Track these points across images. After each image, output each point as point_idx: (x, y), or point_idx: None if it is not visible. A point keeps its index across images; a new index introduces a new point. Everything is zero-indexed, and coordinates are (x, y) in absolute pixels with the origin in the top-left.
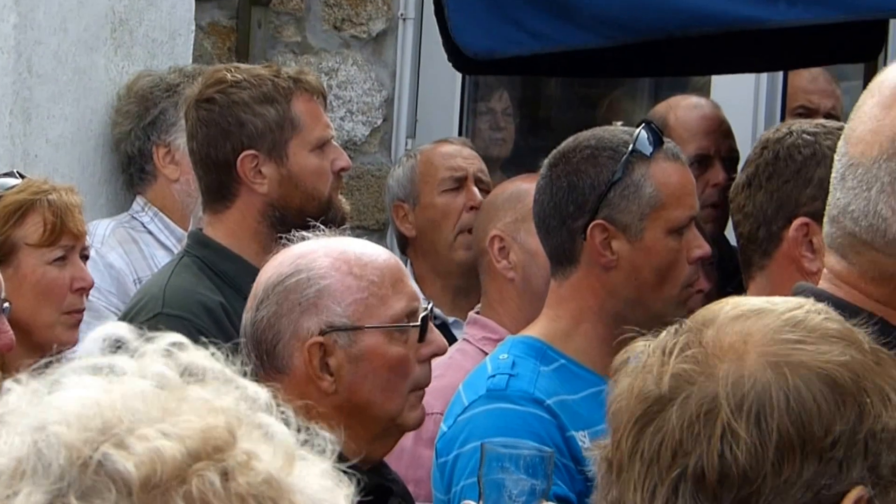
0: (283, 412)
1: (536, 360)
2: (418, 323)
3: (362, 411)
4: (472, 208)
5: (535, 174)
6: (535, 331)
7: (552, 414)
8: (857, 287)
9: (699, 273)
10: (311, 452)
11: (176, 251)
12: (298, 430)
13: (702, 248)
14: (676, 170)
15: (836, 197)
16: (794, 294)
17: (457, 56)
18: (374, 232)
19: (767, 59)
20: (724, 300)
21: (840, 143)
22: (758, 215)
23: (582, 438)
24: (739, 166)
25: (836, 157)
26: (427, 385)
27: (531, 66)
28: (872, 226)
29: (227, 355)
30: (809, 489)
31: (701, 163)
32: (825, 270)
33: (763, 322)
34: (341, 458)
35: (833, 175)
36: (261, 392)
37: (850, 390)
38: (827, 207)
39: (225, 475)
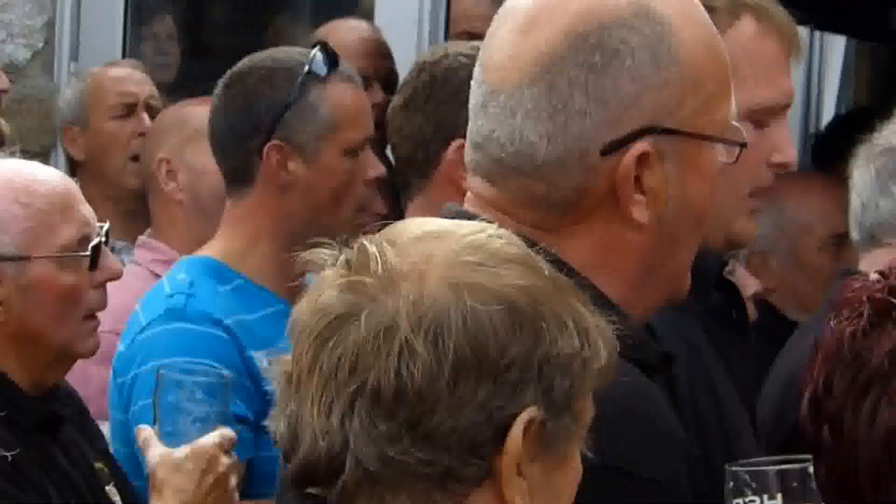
0: None
1: (214, 280)
2: (88, 252)
3: (33, 340)
4: (141, 134)
5: (203, 98)
6: (211, 251)
7: (230, 333)
8: (506, 212)
9: (375, 195)
10: None
11: None
12: None
13: (376, 169)
14: (351, 91)
15: (479, 124)
16: (443, 216)
17: None
18: (37, 156)
19: None
20: (408, 220)
21: (476, 71)
22: (416, 137)
23: (260, 358)
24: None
25: (473, 84)
26: (102, 310)
27: None
28: (520, 152)
29: None
30: (483, 409)
31: None
32: (469, 194)
33: (445, 244)
34: (9, 385)
35: (473, 103)
36: None
37: (528, 315)
38: (469, 134)
39: None
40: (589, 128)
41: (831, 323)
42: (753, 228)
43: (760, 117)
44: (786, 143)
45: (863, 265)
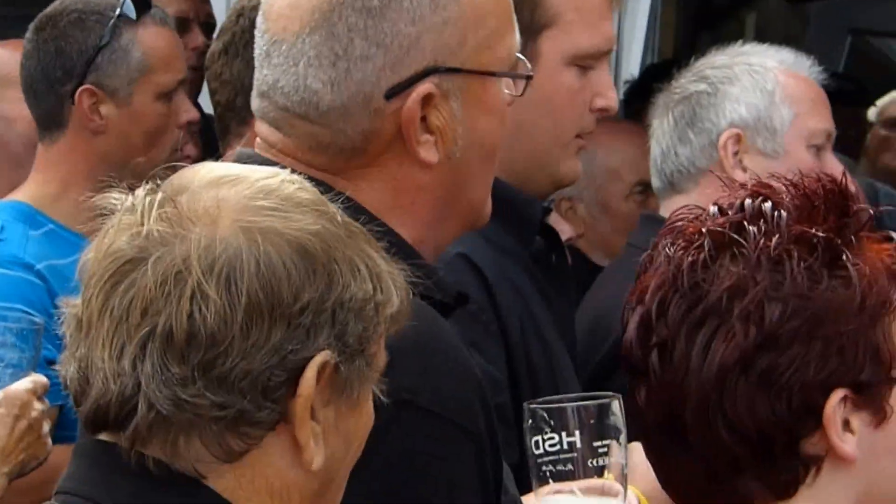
0: None
1: (25, 225)
2: None
3: None
4: None
5: (10, 41)
6: (22, 195)
7: (42, 278)
8: (295, 157)
9: (187, 138)
10: None
11: None
12: None
13: (189, 112)
14: (164, 35)
15: (264, 73)
16: (236, 161)
17: None
18: None
19: None
20: (199, 165)
21: (259, 20)
22: (235, 83)
23: None
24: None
25: (257, 33)
26: None
27: None
28: (304, 100)
29: None
30: (276, 353)
31: (180, 26)
32: (258, 140)
33: (237, 189)
34: None
35: (257, 52)
36: None
37: (321, 259)
38: (255, 83)
39: None
40: (371, 72)
41: (667, 250)
42: (579, 168)
43: (584, 62)
44: (607, 88)
45: (663, 212)
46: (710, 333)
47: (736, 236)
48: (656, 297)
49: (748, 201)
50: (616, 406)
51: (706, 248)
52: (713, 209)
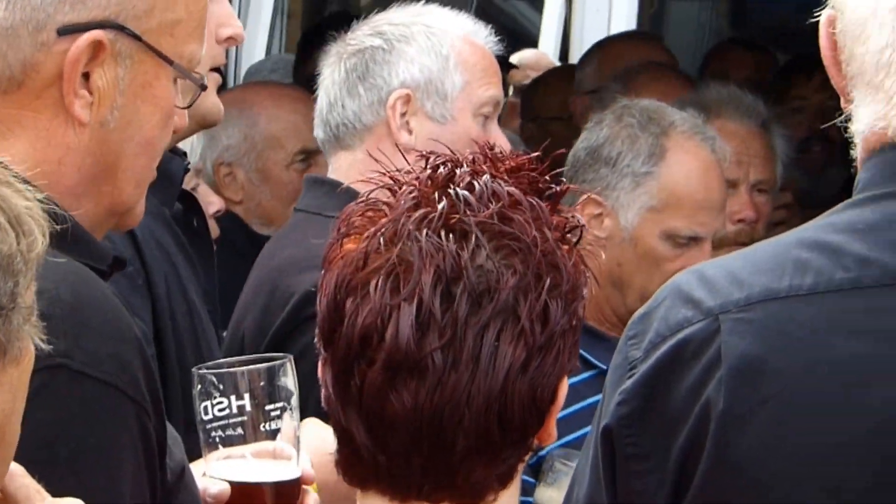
0: None
1: None
2: None
3: None
4: None
5: None
6: None
7: None
8: None
9: None
10: None
11: None
12: None
13: None
14: None
15: None
16: None
17: None
18: None
19: None
20: None
21: None
22: None
23: None
24: None
25: None
26: None
27: None
28: None
29: None
30: None
31: None
32: None
33: None
34: None
35: None
36: None
37: None
38: None
39: None
40: (50, 1)
41: (425, 232)
42: (220, 104)
43: None
44: (230, 17)
45: (331, 171)
46: (499, 334)
47: (508, 229)
48: (436, 292)
49: (487, 181)
50: (288, 368)
51: (483, 242)
52: (422, 178)
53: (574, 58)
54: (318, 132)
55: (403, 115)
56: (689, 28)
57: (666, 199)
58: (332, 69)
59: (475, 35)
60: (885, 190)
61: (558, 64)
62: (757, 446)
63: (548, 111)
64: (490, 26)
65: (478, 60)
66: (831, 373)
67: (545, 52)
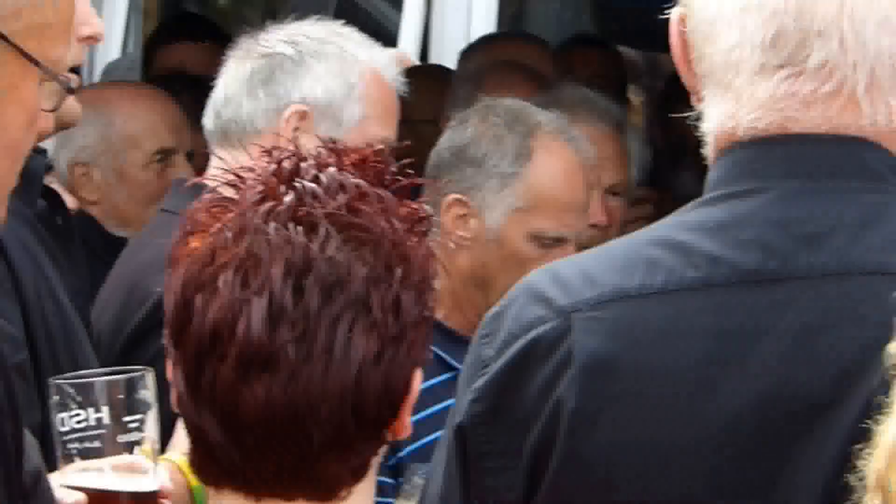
0: None
1: None
2: None
3: None
4: None
5: None
6: None
7: None
8: None
9: None
10: None
11: None
12: None
13: None
14: None
15: None
16: None
17: None
18: None
19: None
20: None
21: None
22: None
23: None
24: None
25: None
26: None
27: None
28: None
29: None
30: None
31: None
32: None
33: None
34: None
35: None
36: None
37: None
38: None
39: None
40: None
41: (272, 225)
42: (78, 106)
43: None
44: (89, 15)
45: (212, 165)
46: (351, 326)
47: (357, 220)
48: (286, 285)
49: (334, 173)
50: (149, 380)
51: (332, 234)
52: (310, 186)
53: (434, 57)
54: (207, 122)
55: (296, 129)
56: (549, 28)
57: (533, 199)
58: (237, 64)
59: (386, 71)
60: (735, 189)
61: (419, 63)
62: (605, 445)
63: (420, 114)
64: (348, 23)
65: (382, 98)
66: (680, 372)
67: (405, 51)
